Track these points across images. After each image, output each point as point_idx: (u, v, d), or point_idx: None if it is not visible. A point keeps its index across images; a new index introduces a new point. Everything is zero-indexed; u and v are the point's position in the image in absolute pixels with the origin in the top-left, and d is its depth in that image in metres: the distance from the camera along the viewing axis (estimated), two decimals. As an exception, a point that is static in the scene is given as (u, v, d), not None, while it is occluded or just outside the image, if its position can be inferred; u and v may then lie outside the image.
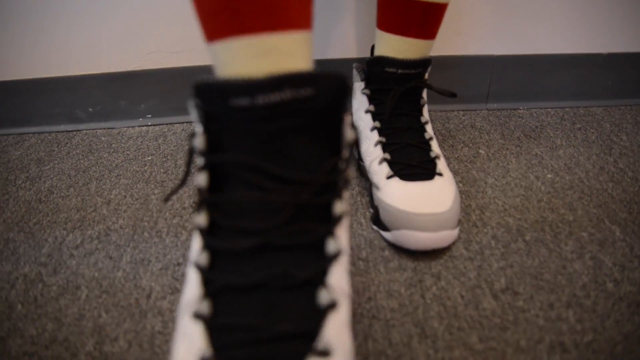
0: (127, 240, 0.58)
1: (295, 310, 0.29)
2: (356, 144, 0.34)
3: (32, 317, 0.47)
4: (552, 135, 0.77)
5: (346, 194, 0.34)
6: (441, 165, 0.57)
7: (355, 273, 0.51)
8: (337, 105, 0.31)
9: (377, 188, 0.56)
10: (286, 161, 0.30)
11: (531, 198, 0.62)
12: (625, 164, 0.69)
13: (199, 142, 0.31)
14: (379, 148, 0.58)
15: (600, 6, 0.79)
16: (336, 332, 0.29)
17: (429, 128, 0.60)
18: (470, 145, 0.75)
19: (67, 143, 0.81)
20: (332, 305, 0.30)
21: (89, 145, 0.80)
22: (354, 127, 0.33)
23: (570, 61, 0.82)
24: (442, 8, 0.58)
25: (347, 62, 0.75)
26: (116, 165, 0.74)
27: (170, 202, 0.64)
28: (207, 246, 0.31)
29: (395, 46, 0.60)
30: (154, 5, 0.77)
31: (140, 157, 0.76)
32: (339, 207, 0.32)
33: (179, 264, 0.53)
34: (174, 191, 0.37)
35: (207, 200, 0.32)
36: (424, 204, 0.51)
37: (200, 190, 0.32)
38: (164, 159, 0.75)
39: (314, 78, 0.29)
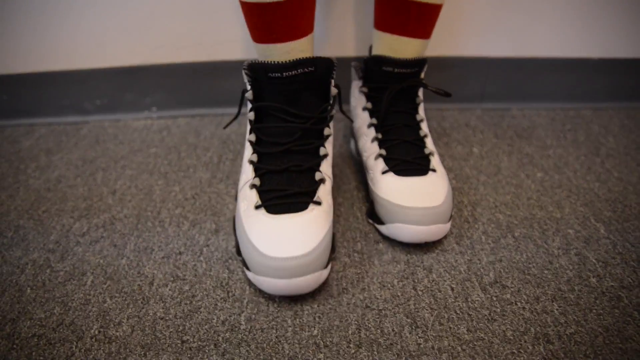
0: (131, 229, 0.59)
1: (303, 182, 0.51)
2: (338, 96, 0.55)
3: (40, 301, 0.49)
4: (542, 135, 0.79)
5: (331, 124, 0.56)
6: (435, 161, 0.58)
7: (350, 265, 0.53)
8: (327, 75, 0.52)
9: (373, 182, 0.58)
10: (298, 105, 0.52)
11: (521, 195, 0.64)
12: (611, 164, 0.71)
13: (249, 94, 0.53)
14: (375, 144, 0.60)
15: (592, 13, 0.80)
16: (324, 194, 0.51)
17: (424, 126, 0.62)
18: (465, 143, 0.77)
19: (75, 134, 0.83)
20: (322, 180, 0.52)
21: (95, 136, 0.82)
22: (336, 86, 0.54)
23: (562, 64, 0.84)
24: (436, 8, 0.60)
25: (345, 60, 0.77)
26: (122, 156, 0.75)
27: (173, 194, 0.66)
28: (255, 151, 0.53)
29: (392, 45, 0.61)
30: (161, 1, 0.78)
31: (145, 149, 0.77)
32: (327, 130, 0.55)
33: (180, 253, 0.55)
34: (231, 121, 0.58)
35: (254, 127, 0.54)
36: (418, 198, 0.53)
37: (250, 121, 0.54)
38: (168, 151, 0.76)
39: (314, 61, 0.50)
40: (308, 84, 0.51)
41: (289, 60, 0.49)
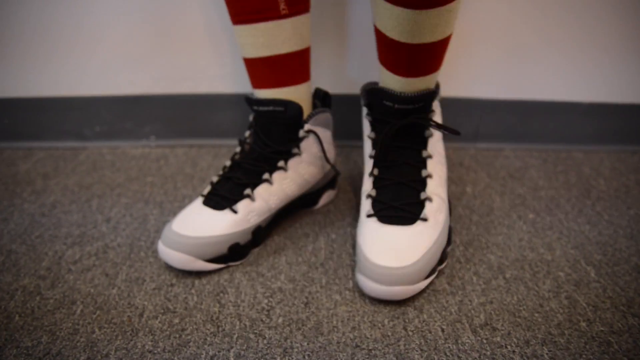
0: (124, 258, 0.59)
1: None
2: (320, 142, 0.64)
3: (28, 329, 0.49)
4: (535, 176, 0.80)
5: (296, 151, 0.63)
6: (430, 209, 0.54)
7: (341, 302, 0.53)
8: (296, 118, 0.61)
9: (359, 222, 0.57)
10: (269, 135, 0.61)
11: (513, 237, 0.64)
12: (602, 207, 0.71)
13: (250, 119, 0.64)
14: (370, 181, 0.58)
15: (583, 59, 0.83)
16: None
17: (430, 164, 0.57)
18: (458, 182, 0.77)
19: (73, 159, 0.83)
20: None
21: (93, 162, 0.82)
22: (309, 131, 0.62)
23: (554, 107, 0.86)
24: (430, 47, 0.53)
25: (343, 97, 0.79)
26: (118, 184, 0.76)
27: (167, 223, 0.66)
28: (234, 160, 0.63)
29: (390, 82, 0.58)
30: (164, 35, 0.80)
31: (141, 178, 0.78)
32: (295, 149, 0.62)
33: (172, 285, 0.55)
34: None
35: (242, 142, 0.64)
36: (388, 254, 0.50)
37: (244, 139, 0.64)
38: (164, 181, 0.77)
39: (284, 103, 0.59)
40: (278, 120, 0.61)
41: (265, 98, 0.60)
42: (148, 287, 0.55)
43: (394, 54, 0.55)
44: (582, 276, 0.57)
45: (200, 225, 0.55)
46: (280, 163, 0.61)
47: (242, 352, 0.46)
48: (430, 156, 0.58)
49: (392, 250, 0.51)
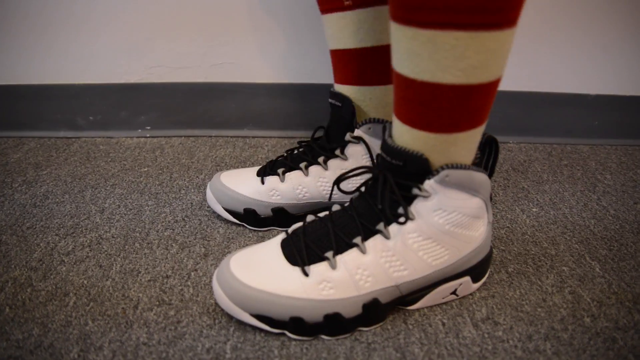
0: (118, 249, 0.58)
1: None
2: (365, 142, 0.58)
3: (19, 321, 0.48)
4: (539, 170, 0.79)
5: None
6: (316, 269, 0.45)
7: (340, 295, 0.52)
8: (348, 118, 0.58)
9: None
10: (328, 130, 0.61)
11: (516, 231, 0.63)
12: (608, 202, 0.71)
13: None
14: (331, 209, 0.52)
15: (590, 50, 0.81)
16: None
17: (375, 244, 0.45)
18: (460, 175, 0.77)
19: (65, 149, 0.82)
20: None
21: (87, 152, 0.81)
22: (358, 139, 0.57)
23: (560, 100, 0.85)
24: (442, 91, 0.39)
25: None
26: (112, 174, 0.75)
27: (163, 215, 0.65)
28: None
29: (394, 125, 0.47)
30: (161, 21, 0.79)
31: (136, 168, 0.76)
32: (337, 151, 0.59)
33: (167, 277, 0.54)
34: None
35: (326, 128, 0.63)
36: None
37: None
38: (160, 171, 0.75)
39: (342, 98, 0.58)
40: (337, 116, 0.59)
41: (334, 90, 0.59)
42: (143, 278, 0.54)
43: (396, 90, 0.44)
44: (587, 271, 0.56)
45: (234, 181, 0.62)
46: (320, 159, 0.61)
47: (239, 345, 0.46)
48: (383, 234, 0.45)
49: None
